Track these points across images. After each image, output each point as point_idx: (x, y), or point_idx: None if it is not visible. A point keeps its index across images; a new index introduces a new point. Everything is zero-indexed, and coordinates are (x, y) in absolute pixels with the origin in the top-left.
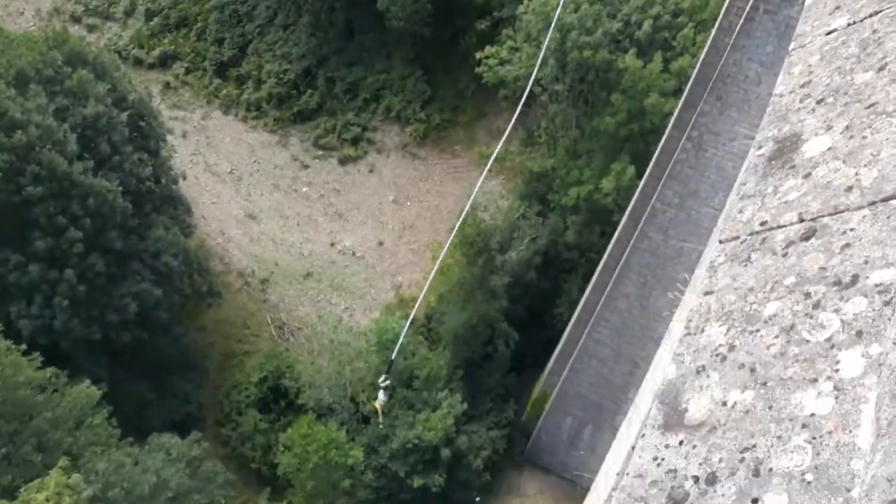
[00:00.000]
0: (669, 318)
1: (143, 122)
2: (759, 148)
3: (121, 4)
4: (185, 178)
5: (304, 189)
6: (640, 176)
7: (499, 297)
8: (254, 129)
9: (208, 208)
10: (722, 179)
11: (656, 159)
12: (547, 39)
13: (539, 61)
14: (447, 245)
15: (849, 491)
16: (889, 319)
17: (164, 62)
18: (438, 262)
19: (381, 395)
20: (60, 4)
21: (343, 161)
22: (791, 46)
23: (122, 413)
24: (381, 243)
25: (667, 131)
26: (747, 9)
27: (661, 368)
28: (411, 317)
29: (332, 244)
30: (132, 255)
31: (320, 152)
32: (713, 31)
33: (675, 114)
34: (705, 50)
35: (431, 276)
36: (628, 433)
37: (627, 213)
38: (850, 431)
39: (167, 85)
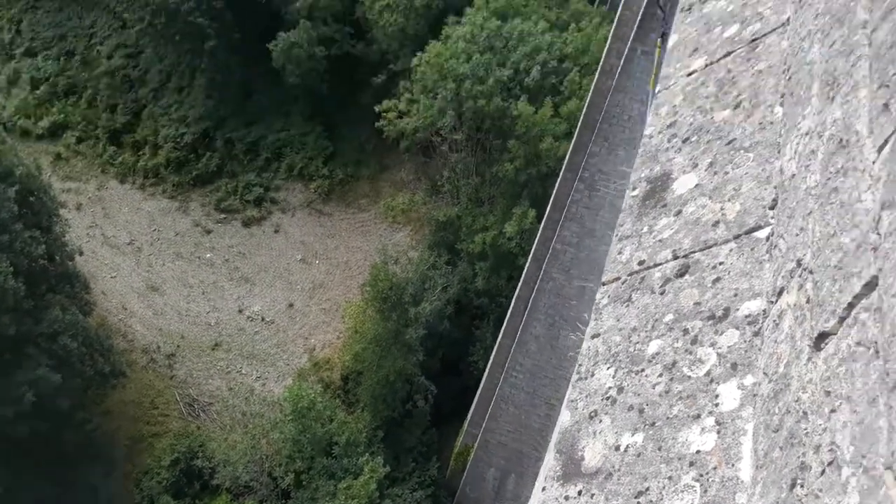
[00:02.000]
0: (575, 359)
1: (32, 198)
2: (634, 189)
3: (2, 73)
4: (81, 253)
5: (208, 255)
6: (540, 219)
7: (415, 350)
8: (152, 197)
9: (108, 283)
10: (615, 217)
11: (553, 201)
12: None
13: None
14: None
15: None
16: (759, 350)
17: (54, 132)
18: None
19: None
20: None
21: (247, 223)
22: (657, 88)
23: None
24: (291, 305)
25: (560, 174)
26: (626, 51)
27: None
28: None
29: (240, 310)
30: (27, 340)
31: (223, 216)
32: (597, 74)
33: (567, 156)
34: (590, 93)
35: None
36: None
37: (531, 255)
38: (733, 465)
39: (58, 156)
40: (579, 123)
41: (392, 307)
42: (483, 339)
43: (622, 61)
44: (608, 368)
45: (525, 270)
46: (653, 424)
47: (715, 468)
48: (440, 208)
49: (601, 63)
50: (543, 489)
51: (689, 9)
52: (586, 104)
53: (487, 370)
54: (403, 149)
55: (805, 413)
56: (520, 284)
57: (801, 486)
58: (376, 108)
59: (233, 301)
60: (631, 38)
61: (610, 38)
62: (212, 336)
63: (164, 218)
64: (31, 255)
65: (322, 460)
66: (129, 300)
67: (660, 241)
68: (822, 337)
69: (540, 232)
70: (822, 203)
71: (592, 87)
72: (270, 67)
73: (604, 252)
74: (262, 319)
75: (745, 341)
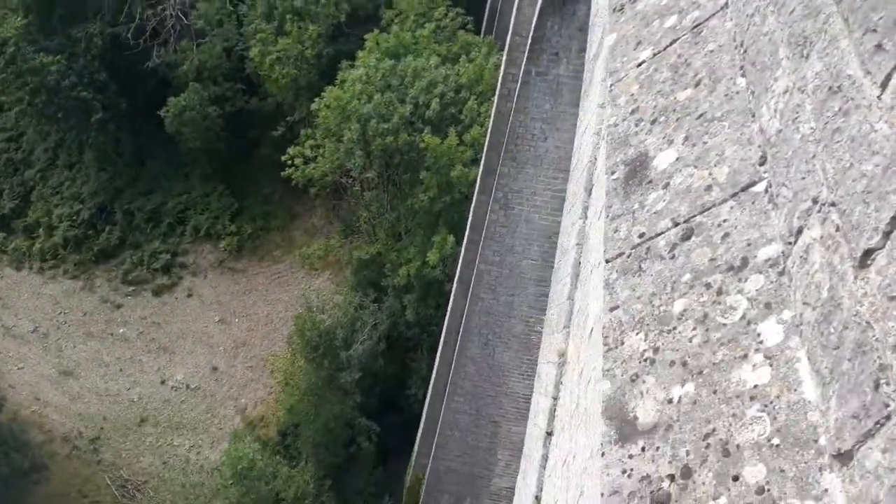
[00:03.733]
0: (517, 373)
1: None
2: (612, 174)
3: None
4: None
5: (121, 330)
6: (460, 243)
7: (351, 393)
8: (53, 279)
9: (15, 375)
10: (532, 231)
11: (471, 224)
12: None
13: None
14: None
15: (816, 441)
16: (789, 287)
17: None
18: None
19: None
20: None
21: (157, 292)
22: (609, 82)
23: None
24: (215, 368)
25: (474, 197)
26: (521, 74)
27: (542, 413)
28: None
29: (163, 381)
30: None
31: (131, 288)
32: (495, 99)
33: (479, 179)
34: (492, 118)
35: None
36: (526, 484)
37: (455, 280)
38: (795, 390)
39: None
40: (485, 147)
41: (323, 354)
42: (419, 370)
43: (518, 84)
44: (637, 334)
45: (452, 296)
46: (700, 373)
47: (778, 397)
48: (360, 247)
49: (498, 88)
50: (602, 454)
51: (622, 9)
52: (489, 129)
53: (427, 400)
54: (314, 194)
55: (868, 323)
56: (449, 310)
57: (888, 384)
58: (282, 158)
59: (153, 373)
60: (524, 61)
61: (504, 64)
62: (136, 412)
63: (69, 299)
64: None
65: None
66: (41, 389)
67: (655, 213)
68: (868, 254)
69: (462, 256)
70: (825, 145)
71: (493, 112)
72: (163, 133)
73: (527, 266)
74: (187, 387)
75: (771, 282)
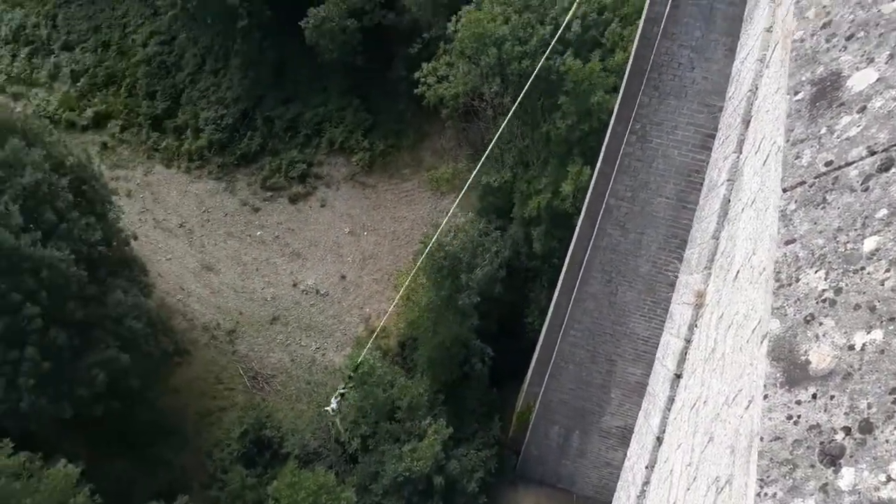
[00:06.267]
0: (639, 314)
1: (85, 186)
2: (796, 94)
3: (44, 69)
4: (136, 237)
5: (259, 233)
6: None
7: (469, 315)
8: (199, 179)
9: (164, 265)
10: (669, 168)
11: (603, 156)
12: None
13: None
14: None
15: None
16: None
17: (98, 122)
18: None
19: (333, 402)
20: None
21: (293, 199)
22: None
23: (103, 490)
24: (343, 277)
25: (609, 127)
26: None
27: (671, 354)
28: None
29: (295, 284)
30: (94, 324)
31: (269, 194)
32: (641, 23)
33: (616, 109)
34: (636, 42)
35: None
36: (648, 424)
37: (583, 213)
38: None
39: (104, 145)
40: (626, 74)
41: (445, 275)
42: (537, 300)
43: (667, 8)
44: (816, 272)
45: (577, 228)
46: (892, 319)
47: None
48: (488, 173)
49: (645, 11)
50: (765, 397)
51: None
52: (632, 54)
53: (544, 330)
54: (445, 116)
55: None
56: (573, 243)
57: None
58: (415, 75)
59: (286, 276)
60: None
61: None
62: (269, 311)
63: (213, 199)
64: (89, 242)
65: (386, 425)
66: (185, 281)
67: (847, 139)
68: None
69: (591, 188)
70: None
71: (637, 37)
72: (303, 44)
73: (660, 204)
74: (317, 292)
75: None
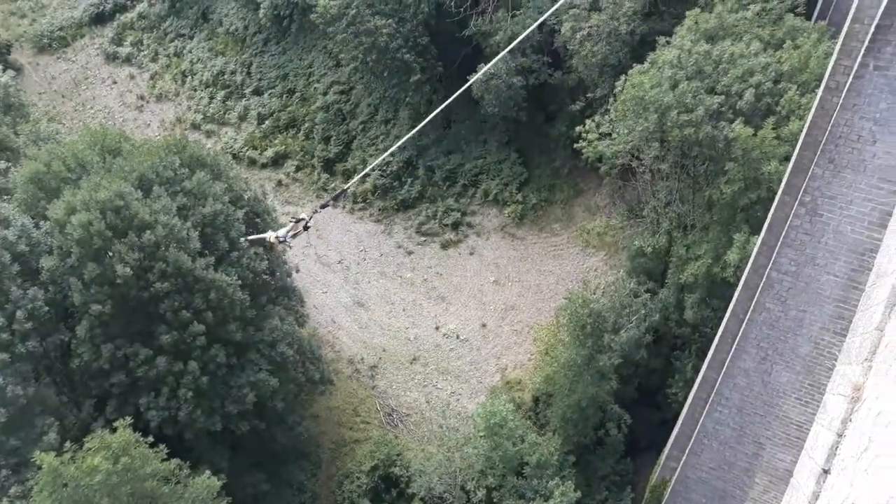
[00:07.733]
0: (794, 397)
1: (258, 219)
2: None
3: (235, 110)
4: (298, 270)
5: (409, 274)
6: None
7: (608, 377)
8: (360, 220)
9: (320, 297)
10: (840, 245)
11: (769, 226)
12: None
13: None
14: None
15: None
16: None
17: (276, 161)
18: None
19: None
20: (182, 114)
21: (444, 245)
22: None
23: (239, 502)
24: (484, 325)
25: (777, 197)
26: (855, 66)
27: (821, 447)
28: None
29: (437, 327)
30: (250, 346)
31: (422, 238)
32: (819, 92)
33: (785, 179)
34: (812, 112)
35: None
36: None
37: (741, 284)
38: None
39: (279, 182)
40: (799, 144)
41: (588, 334)
42: (683, 370)
43: (850, 78)
44: None
45: (734, 300)
46: None
47: None
48: (643, 236)
49: (825, 80)
50: None
51: None
52: (807, 123)
53: (689, 402)
54: (603, 172)
55: None
56: (728, 314)
57: None
58: (577, 129)
59: (430, 318)
60: (861, 52)
61: (836, 53)
62: (410, 350)
63: (371, 239)
64: (256, 271)
65: (513, 479)
66: (337, 314)
67: None
68: None
69: (752, 259)
70: None
71: (815, 106)
72: (470, 99)
73: (827, 282)
74: (457, 337)
75: None
